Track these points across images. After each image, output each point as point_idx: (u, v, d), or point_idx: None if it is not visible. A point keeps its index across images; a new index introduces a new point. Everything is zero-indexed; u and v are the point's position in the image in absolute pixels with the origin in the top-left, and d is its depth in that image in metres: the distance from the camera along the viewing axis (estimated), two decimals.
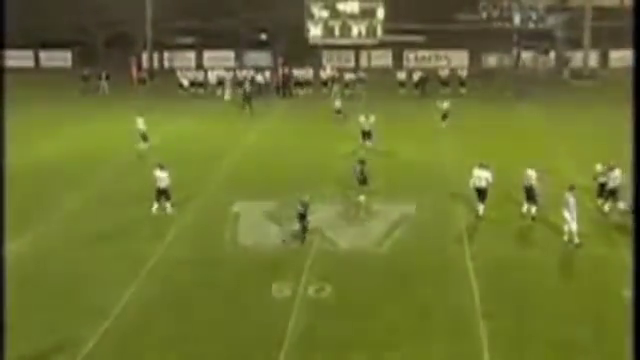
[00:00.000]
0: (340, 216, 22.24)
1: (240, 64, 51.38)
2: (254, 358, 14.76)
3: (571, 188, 19.82)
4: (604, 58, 51.00)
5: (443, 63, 50.23)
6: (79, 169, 27.79)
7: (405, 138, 31.44)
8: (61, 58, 54.38)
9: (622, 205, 21.84)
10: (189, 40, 54.14)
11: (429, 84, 42.62)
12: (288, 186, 24.70)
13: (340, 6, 52.09)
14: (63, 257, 19.63)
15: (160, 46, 52.05)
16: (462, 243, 20.22)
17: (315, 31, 52.46)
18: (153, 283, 18.02)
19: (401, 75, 44.57)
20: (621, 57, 48.24)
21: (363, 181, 23.25)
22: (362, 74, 45.36)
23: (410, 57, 52.67)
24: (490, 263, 18.87)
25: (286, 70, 44.70)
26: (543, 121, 35.19)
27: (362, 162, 23.54)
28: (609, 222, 21.55)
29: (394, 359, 14.62)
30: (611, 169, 21.88)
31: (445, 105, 34.00)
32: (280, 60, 47.10)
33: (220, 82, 43.78)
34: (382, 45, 52.47)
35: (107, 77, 44.91)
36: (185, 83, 44.47)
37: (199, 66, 51.81)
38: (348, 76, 44.25)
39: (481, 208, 21.97)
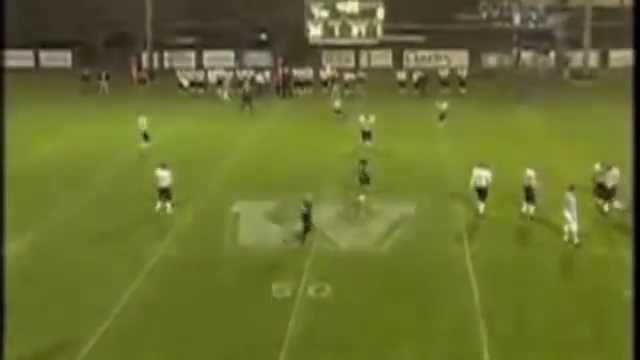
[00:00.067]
0: (340, 216, 22.23)
1: (240, 64, 51.36)
2: (254, 358, 14.76)
3: (571, 188, 19.83)
4: (604, 58, 50.98)
5: (443, 63, 50.21)
6: (79, 169, 27.79)
7: (405, 138, 31.43)
8: (61, 58, 54.34)
9: (617, 204, 21.87)
10: (189, 40, 54.11)
11: (429, 84, 42.63)
12: (288, 186, 24.71)
13: (340, 6, 52.09)
14: (63, 257, 19.64)
15: (160, 46, 52.04)
16: (462, 243, 20.23)
17: (315, 31, 52.46)
18: (153, 283, 18.02)
19: (401, 75, 44.56)
20: (621, 57, 48.24)
21: (365, 181, 23.27)
22: (362, 74, 45.35)
23: (410, 57, 52.64)
24: (490, 263, 18.88)
25: (286, 70, 44.70)
26: (543, 121, 35.20)
27: (364, 162, 23.55)
28: (609, 222, 21.56)
29: (394, 359, 14.63)
30: (609, 169, 21.91)
31: (443, 106, 34.03)
32: (280, 60, 47.08)
33: (220, 82, 43.77)
34: (382, 45, 52.45)
35: (107, 77, 44.88)
36: (185, 83, 44.48)
37: (199, 66, 51.78)
38: (348, 76, 44.23)
39: (481, 207, 21.99)
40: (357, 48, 52.81)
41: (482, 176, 21.88)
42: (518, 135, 32.24)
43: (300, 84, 44.25)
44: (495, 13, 53.56)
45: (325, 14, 52.25)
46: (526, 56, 49.84)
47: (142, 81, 47.47)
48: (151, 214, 22.47)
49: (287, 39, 50.58)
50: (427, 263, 19.03)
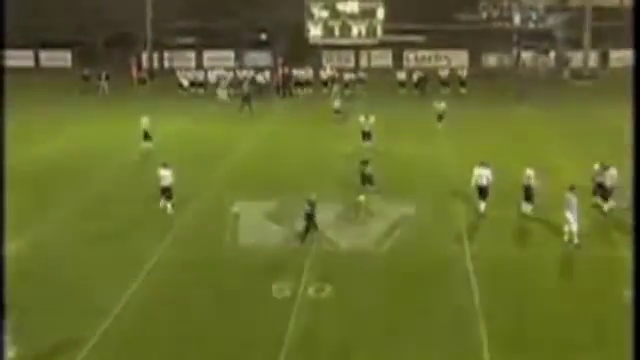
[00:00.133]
0: (340, 216, 22.21)
1: (240, 64, 51.38)
2: (254, 358, 14.76)
3: (571, 188, 19.82)
4: (604, 58, 51.02)
5: (443, 63, 50.24)
6: (79, 169, 27.79)
7: (405, 138, 31.43)
8: (61, 58, 54.38)
9: (612, 204, 21.87)
10: (189, 40, 54.14)
11: (429, 84, 42.64)
12: (288, 186, 24.72)
13: (340, 6, 52.13)
14: (63, 257, 19.62)
15: (160, 46, 52.07)
16: (462, 243, 20.22)
17: (315, 31, 52.50)
18: (153, 283, 18.01)
19: (401, 75, 44.60)
20: (621, 57, 48.29)
21: (368, 181, 23.29)
22: (362, 74, 45.40)
23: (410, 57, 52.67)
24: (490, 263, 18.87)
25: (286, 70, 44.71)
26: (543, 121, 35.20)
27: (365, 163, 23.57)
28: (609, 222, 21.55)
29: (394, 359, 14.63)
30: (606, 169, 21.92)
31: (441, 105, 34.06)
32: (280, 60, 47.10)
33: (219, 82, 43.80)
34: (382, 45, 52.50)
35: (107, 77, 44.91)
36: (185, 83, 44.52)
37: (199, 66, 51.83)
38: (348, 76, 44.28)
39: (482, 206, 22.02)
40: (357, 48, 52.84)
41: (483, 175, 21.94)
42: (518, 135, 32.24)
43: (300, 84, 44.28)
44: (495, 13, 53.60)
45: (325, 14, 52.29)
46: (526, 56, 49.88)
47: (142, 81, 47.50)
48: (151, 214, 22.47)
49: (287, 39, 50.61)
50: (427, 263, 19.03)
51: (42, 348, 14.71)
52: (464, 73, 44.19)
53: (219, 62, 51.48)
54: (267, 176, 26.41)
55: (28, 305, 16.49)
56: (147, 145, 29.63)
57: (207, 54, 53.41)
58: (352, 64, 51.86)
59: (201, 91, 44.31)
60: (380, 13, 51.85)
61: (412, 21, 50.46)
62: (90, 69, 46.25)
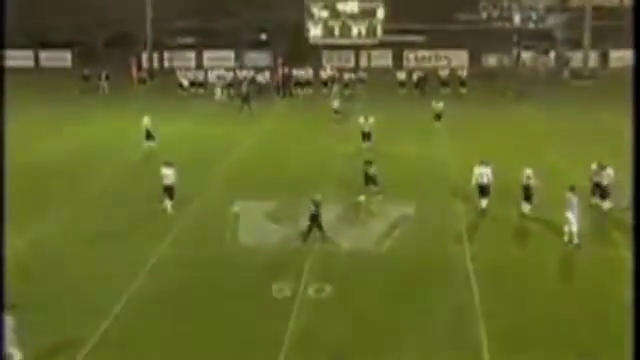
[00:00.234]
0: (340, 216, 22.20)
1: (240, 64, 51.39)
2: (254, 358, 14.76)
3: (572, 188, 19.83)
4: (604, 58, 51.02)
5: (443, 63, 50.24)
6: (79, 169, 27.79)
7: (405, 138, 31.43)
8: (61, 58, 54.38)
9: (608, 205, 21.88)
10: (189, 40, 54.16)
11: (429, 84, 42.64)
12: (288, 186, 24.73)
13: (340, 6, 52.14)
14: (63, 257, 19.62)
15: (160, 46, 52.07)
16: (462, 243, 20.22)
17: (315, 31, 52.49)
18: (153, 283, 18.01)
19: (401, 75, 44.59)
20: (621, 57, 48.27)
21: (372, 182, 23.32)
22: (362, 74, 45.40)
23: (410, 57, 52.67)
24: (490, 263, 18.87)
25: (286, 70, 44.72)
26: (543, 121, 35.20)
27: (369, 163, 23.59)
28: (609, 222, 21.55)
29: (394, 359, 14.63)
30: (603, 168, 21.94)
31: (439, 105, 34.07)
32: (280, 60, 47.11)
33: (223, 81, 43.82)
34: (382, 45, 52.50)
35: (107, 77, 44.92)
36: (185, 83, 44.52)
37: (199, 66, 51.84)
38: (348, 76, 44.28)
39: (484, 203, 22.07)
40: (357, 48, 52.84)
41: (483, 173, 22.05)
42: (518, 135, 32.24)
43: (300, 84, 44.26)
44: (495, 13, 53.62)
45: (325, 14, 52.31)
46: (526, 56, 49.87)
47: (142, 81, 47.52)
48: (151, 214, 22.47)
49: (287, 39, 50.61)
50: (427, 263, 19.03)
51: (42, 348, 14.71)
52: (464, 73, 44.18)
53: (219, 62, 51.47)
54: (267, 176, 26.42)
55: (28, 305, 16.48)
56: (150, 144, 29.69)
57: (207, 54, 53.41)
58: (352, 64, 51.86)
59: (201, 91, 44.30)
60: (380, 13, 51.87)
61: (412, 21, 50.47)
62: (90, 69, 46.25)
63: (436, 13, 50.39)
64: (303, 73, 44.89)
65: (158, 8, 49.76)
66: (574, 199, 19.59)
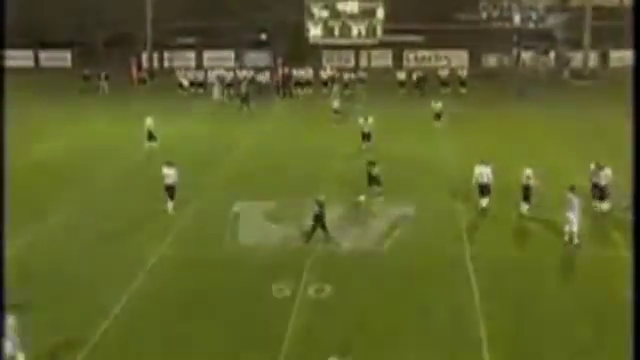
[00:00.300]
0: (340, 216, 22.19)
1: (240, 64, 51.38)
2: (254, 358, 14.76)
3: (572, 188, 19.83)
4: (604, 58, 50.99)
5: (443, 63, 50.22)
6: (79, 169, 27.80)
7: (405, 138, 31.43)
8: (61, 58, 54.35)
9: (607, 205, 21.87)
10: (189, 40, 54.13)
11: (429, 84, 42.63)
12: (288, 186, 24.74)
13: (340, 6, 52.12)
14: (63, 257, 19.63)
15: (160, 46, 52.04)
16: (462, 243, 20.22)
17: (315, 31, 52.48)
18: (153, 283, 18.02)
19: (401, 75, 44.56)
20: (621, 57, 48.24)
21: (376, 182, 23.32)
22: (362, 74, 45.40)
23: (410, 57, 52.64)
24: (490, 263, 18.87)
25: (286, 70, 44.71)
26: (543, 121, 35.19)
27: (373, 164, 23.59)
28: (609, 222, 21.55)
29: (394, 359, 14.63)
30: (601, 168, 21.94)
31: (438, 105, 34.06)
32: (280, 60, 47.09)
33: (221, 81, 43.80)
34: (382, 45, 52.48)
35: (106, 77, 44.91)
36: (185, 83, 44.52)
37: (199, 66, 51.82)
38: (348, 76, 44.28)
39: (484, 202, 22.10)
40: (357, 48, 52.82)
41: (483, 173, 22.09)
42: (518, 135, 32.23)
43: (300, 84, 44.25)
44: (495, 13, 53.57)
45: (325, 14, 52.28)
46: (526, 56, 49.83)
47: (142, 81, 47.52)
48: (151, 214, 22.47)
49: (287, 39, 50.59)
50: (427, 263, 19.03)
51: (42, 348, 14.71)
52: (464, 73, 44.17)
53: (219, 62, 51.45)
54: (267, 176, 26.41)
55: (28, 305, 16.49)
56: (152, 145, 29.71)
57: (207, 54, 53.39)
58: (352, 64, 51.85)
59: (201, 91, 44.29)
60: (380, 13, 51.84)
61: (412, 21, 50.43)
62: (90, 69, 46.24)
63: (436, 13, 50.37)
64: (303, 73, 44.88)
65: (158, 8, 49.74)
66: (575, 199, 19.59)
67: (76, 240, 20.72)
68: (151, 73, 49.75)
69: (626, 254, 18.49)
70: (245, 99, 38.35)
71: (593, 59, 49.30)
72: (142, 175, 26.27)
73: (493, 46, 50.36)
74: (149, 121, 30.05)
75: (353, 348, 14.90)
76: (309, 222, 20.30)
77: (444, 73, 44.40)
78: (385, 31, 51.89)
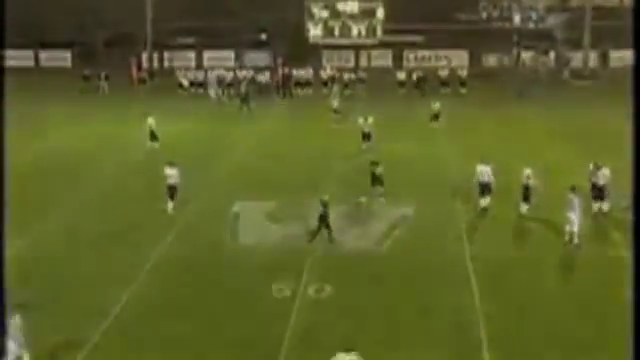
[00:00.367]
0: (340, 216, 22.19)
1: (240, 64, 51.38)
2: (254, 358, 14.76)
3: (573, 189, 19.83)
4: (604, 58, 51.00)
5: (443, 63, 50.23)
6: (79, 169, 27.80)
7: (405, 138, 31.44)
8: (61, 58, 54.39)
9: (606, 205, 21.86)
10: (189, 40, 54.14)
11: (429, 84, 42.63)
12: (288, 186, 24.74)
13: (340, 6, 52.13)
14: (63, 257, 19.63)
15: (160, 46, 52.05)
16: (462, 243, 20.22)
17: (315, 31, 52.47)
18: (153, 283, 18.02)
19: (401, 75, 44.60)
20: (621, 57, 48.22)
21: (379, 182, 23.32)
22: (362, 74, 45.41)
23: (410, 57, 52.66)
24: (490, 263, 18.87)
25: (286, 70, 44.72)
26: (543, 121, 35.19)
27: (376, 163, 23.59)
28: (609, 222, 21.55)
29: (394, 359, 14.63)
30: (599, 168, 21.93)
31: (436, 106, 34.03)
32: (280, 60, 47.10)
33: (220, 81, 43.82)
34: (382, 45, 52.49)
35: (106, 77, 44.92)
36: (185, 83, 44.54)
37: (199, 66, 51.83)
38: (348, 76, 44.29)
39: (486, 201, 22.14)
40: (357, 48, 52.83)
41: (484, 172, 22.08)
42: (518, 135, 32.24)
43: (300, 84, 44.28)
44: (495, 13, 53.58)
45: (325, 14, 52.28)
46: (526, 56, 49.83)
47: (142, 81, 47.52)
48: (151, 214, 22.48)
49: (287, 39, 50.59)
50: (427, 263, 19.03)
51: (42, 348, 14.70)
52: (464, 73, 44.21)
53: (219, 62, 51.47)
54: (267, 176, 26.41)
55: (28, 305, 16.47)
56: (153, 145, 29.71)
57: (207, 54, 53.41)
58: (352, 64, 51.86)
59: (201, 91, 44.29)
60: (380, 13, 51.84)
61: (412, 21, 50.44)
62: (90, 69, 46.26)
63: (436, 13, 50.37)
64: (303, 73, 44.91)
65: (158, 8, 49.74)
66: (576, 199, 19.59)
67: (76, 240, 20.72)
68: (151, 73, 49.76)
69: (626, 254, 18.46)
70: (245, 99, 38.36)
71: (593, 59, 49.31)
72: (142, 175, 26.28)
73: (493, 46, 50.37)
74: (151, 121, 30.08)
75: (353, 348, 14.87)
76: (312, 222, 20.28)
77: (444, 73, 44.44)
78: (385, 31, 51.89)
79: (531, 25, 52.13)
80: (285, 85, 43.80)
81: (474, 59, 51.27)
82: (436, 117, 33.87)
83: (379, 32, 52.04)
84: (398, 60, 52.33)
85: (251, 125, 35.21)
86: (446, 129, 33.07)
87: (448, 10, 52.02)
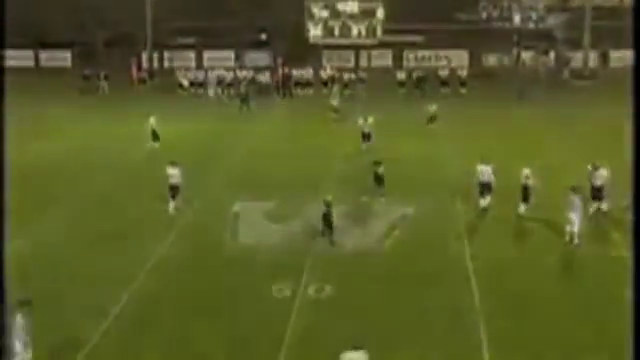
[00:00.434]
0: (340, 216, 22.18)
1: (240, 64, 51.39)
2: (254, 358, 14.76)
3: (573, 189, 19.83)
4: (604, 58, 51.02)
5: (443, 63, 50.24)
6: (79, 169, 27.81)
7: (405, 138, 31.44)
8: (61, 58, 54.41)
9: (604, 205, 21.86)
10: (189, 40, 54.16)
11: (429, 84, 42.64)
12: (288, 186, 24.73)
13: (340, 6, 52.14)
14: (63, 257, 19.63)
15: (160, 46, 52.06)
16: (462, 243, 20.22)
17: (315, 31, 52.48)
18: (153, 283, 18.01)
19: (401, 75, 44.62)
20: (621, 57, 48.27)
21: (380, 182, 23.33)
22: (362, 74, 45.42)
23: (410, 57, 52.68)
24: (490, 263, 18.87)
25: (286, 70, 44.73)
26: (543, 121, 35.19)
27: (379, 163, 23.59)
28: (609, 222, 21.55)
29: (394, 359, 14.62)
30: (596, 169, 21.93)
31: (432, 108, 33.93)
32: (280, 60, 47.11)
33: (220, 81, 43.84)
34: (382, 45, 52.51)
35: (106, 77, 44.94)
36: (185, 83, 44.56)
37: (199, 66, 51.84)
38: (348, 76, 44.30)
39: (486, 201, 22.14)
40: (357, 48, 52.84)
41: (484, 171, 22.08)
42: (518, 135, 32.24)
43: (300, 84, 44.30)
44: (495, 13, 53.62)
45: (325, 14, 52.29)
46: (526, 56, 49.85)
47: (142, 81, 47.53)
48: (152, 214, 22.48)
49: (287, 39, 50.61)
50: (427, 263, 19.02)
51: (42, 348, 14.69)
52: (464, 73, 44.23)
53: (219, 62, 51.48)
54: (267, 176, 26.41)
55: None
56: (153, 145, 29.73)
57: (207, 54, 53.42)
58: (352, 64, 51.87)
59: (201, 91, 44.31)
60: (380, 13, 51.86)
61: (412, 21, 50.46)
62: (90, 69, 46.27)
63: (436, 13, 50.39)
64: (303, 73, 44.92)
65: (158, 8, 49.76)
66: (576, 200, 19.58)
67: (76, 240, 20.72)
68: (151, 73, 49.76)
69: (626, 254, 18.46)
70: (245, 99, 38.37)
71: (593, 59, 49.33)
72: (142, 175, 26.29)
73: (493, 46, 50.40)
74: (152, 120, 30.08)
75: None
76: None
77: (444, 73, 44.46)
78: (385, 31, 51.91)
79: (531, 25, 52.17)
80: (285, 85, 43.82)
81: (474, 59, 51.30)
82: (432, 120, 33.73)
83: (379, 32, 52.06)
84: (398, 60, 52.35)
85: (251, 125, 35.21)
86: (446, 129, 33.06)
87: (448, 10, 52.05)
